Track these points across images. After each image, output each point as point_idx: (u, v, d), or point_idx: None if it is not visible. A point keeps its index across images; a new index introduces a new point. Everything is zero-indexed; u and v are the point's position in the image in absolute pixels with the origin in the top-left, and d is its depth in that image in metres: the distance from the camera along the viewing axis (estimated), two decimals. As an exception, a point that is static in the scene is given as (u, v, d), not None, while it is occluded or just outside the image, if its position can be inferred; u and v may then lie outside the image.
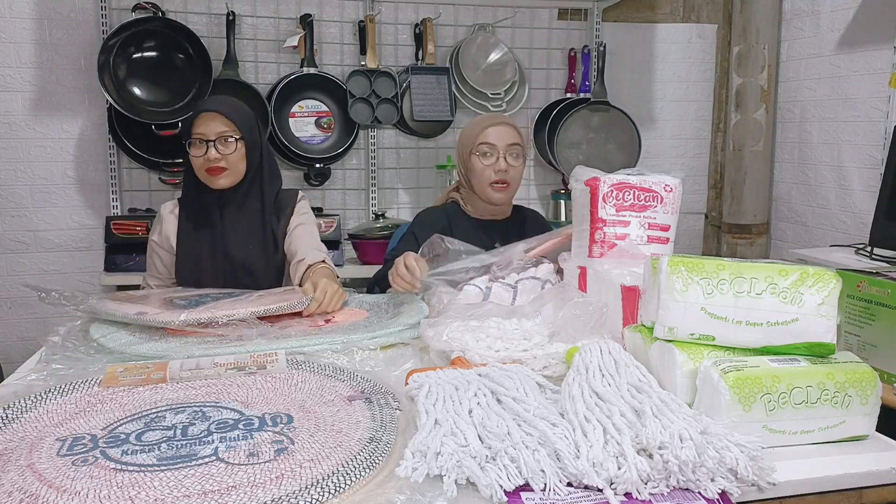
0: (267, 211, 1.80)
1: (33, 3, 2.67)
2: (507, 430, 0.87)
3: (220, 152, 1.71)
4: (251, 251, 1.77)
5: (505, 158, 1.79)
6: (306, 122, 2.86)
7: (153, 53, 2.65)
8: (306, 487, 0.78)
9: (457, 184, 1.95)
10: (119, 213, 2.75)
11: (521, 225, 1.90)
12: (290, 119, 2.83)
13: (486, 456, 0.83)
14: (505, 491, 0.78)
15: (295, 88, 2.82)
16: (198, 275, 1.76)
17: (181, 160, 2.71)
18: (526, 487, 0.79)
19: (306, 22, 2.81)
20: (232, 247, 1.76)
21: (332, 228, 2.69)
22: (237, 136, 1.73)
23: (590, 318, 1.22)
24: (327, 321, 1.46)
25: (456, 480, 0.80)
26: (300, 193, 1.90)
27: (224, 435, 0.91)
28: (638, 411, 0.89)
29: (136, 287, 1.96)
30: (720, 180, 3.44)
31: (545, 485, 0.79)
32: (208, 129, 1.71)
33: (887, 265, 1.97)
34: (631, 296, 1.24)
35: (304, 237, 1.80)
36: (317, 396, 1.05)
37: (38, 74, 2.70)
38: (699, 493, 0.80)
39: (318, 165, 2.86)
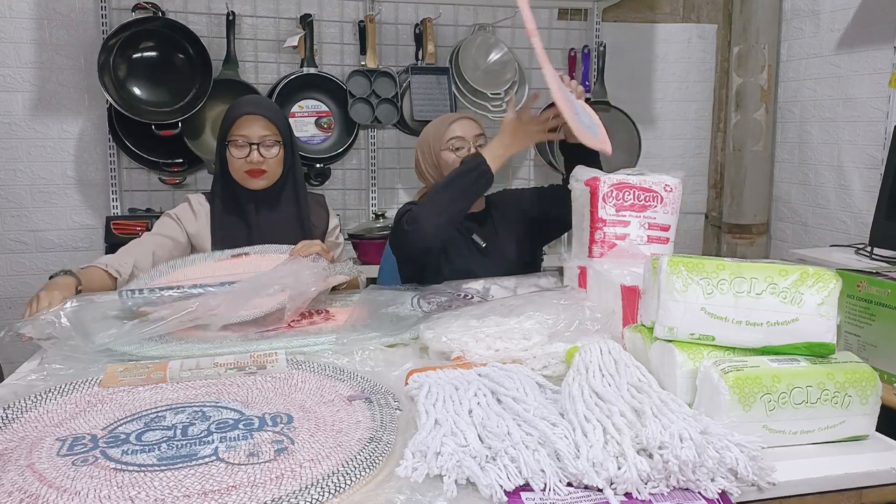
0: (303, 212, 1.84)
1: (33, 3, 2.67)
2: (507, 430, 0.87)
3: (263, 155, 1.73)
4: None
5: (475, 148, 1.81)
6: (306, 122, 2.86)
7: (153, 53, 2.65)
8: (306, 487, 0.78)
9: (424, 190, 1.94)
10: (119, 213, 2.75)
11: (492, 213, 1.92)
12: (290, 119, 2.83)
13: (486, 456, 0.83)
14: (505, 491, 0.78)
15: (295, 88, 2.81)
16: None
17: (181, 160, 2.71)
18: (526, 487, 0.79)
19: (306, 22, 2.81)
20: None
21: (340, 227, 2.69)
22: (279, 140, 1.76)
23: (594, 324, 1.23)
24: (326, 320, 1.46)
25: (456, 480, 0.80)
26: (327, 201, 1.96)
27: (224, 435, 0.91)
28: (638, 411, 0.89)
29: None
30: (720, 180, 3.44)
31: (545, 485, 0.79)
32: (251, 132, 1.73)
33: (887, 265, 1.97)
34: (631, 296, 1.24)
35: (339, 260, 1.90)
36: (317, 396, 1.05)
37: (38, 74, 2.70)
38: (699, 492, 0.80)
39: (318, 165, 2.85)
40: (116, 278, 1.60)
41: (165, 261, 1.72)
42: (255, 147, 1.72)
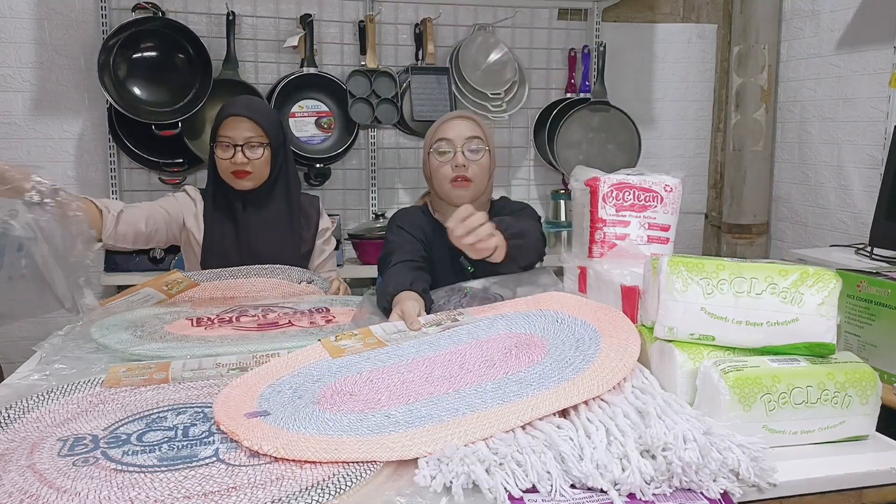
0: (294, 212, 1.85)
1: (33, 3, 2.67)
2: (513, 434, 0.87)
3: (247, 156, 1.73)
4: (277, 248, 1.80)
5: (463, 153, 1.64)
6: (306, 122, 2.86)
7: (153, 53, 2.65)
8: (306, 489, 0.78)
9: (426, 196, 1.90)
10: (119, 213, 2.75)
11: None
12: (290, 119, 2.83)
13: (494, 460, 0.82)
14: (510, 494, 0.78)
15: (295, 88, 2.81)
16: (225, 267, 1.76)
17: (181, 160, 2.71)
18: (531, 490, 0.79)
19: (306, 22, 2.81)
20: (257, 243, 1.79)
21: (333, 228, 2.69)
22: (264, 142, 1.76)
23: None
24: (328, 321, 1.47)
25: (462, 486, 0.79)
26: (320, 204, 1.96)
27: (225, 435, 0.91)
28: (641, 412, 0.89)
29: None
30: (720, 180, 3.44)
31: (551, 487, 0.79)
32: (236, 134, 1.73)
33: (887, 265, 1.97)
34: (631, 296, 1.24)
35: (327, 264, 1.97)
36: (317, 397, 1.05)
37: (38, 74, 2.70)
38: (701, 493, 0.81)
39: (318, 165, 2.85)
40: (102, 211, 1.60)
41: (155, 231, 1.73)
42: (240, 148, 1.73)
